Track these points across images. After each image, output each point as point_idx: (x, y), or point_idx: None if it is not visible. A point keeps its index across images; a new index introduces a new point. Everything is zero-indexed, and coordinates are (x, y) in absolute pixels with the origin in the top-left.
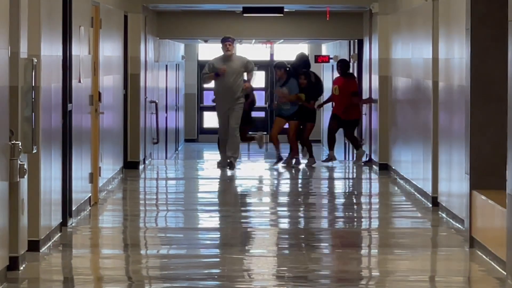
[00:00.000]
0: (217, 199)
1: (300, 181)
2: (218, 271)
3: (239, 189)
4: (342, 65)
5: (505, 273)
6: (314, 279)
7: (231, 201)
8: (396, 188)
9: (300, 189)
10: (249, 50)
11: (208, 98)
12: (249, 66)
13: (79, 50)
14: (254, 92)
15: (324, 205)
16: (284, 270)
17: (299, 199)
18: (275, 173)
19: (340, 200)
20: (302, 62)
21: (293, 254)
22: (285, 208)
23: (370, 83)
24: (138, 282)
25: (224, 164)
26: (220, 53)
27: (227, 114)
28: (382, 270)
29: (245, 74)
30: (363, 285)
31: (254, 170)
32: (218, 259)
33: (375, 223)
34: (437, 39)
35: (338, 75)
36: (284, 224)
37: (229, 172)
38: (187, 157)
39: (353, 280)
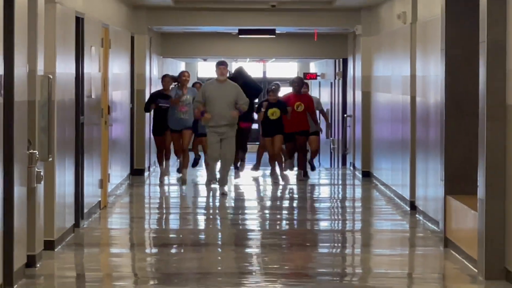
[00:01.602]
0: (212, 203)
1: (290, 187)
2: (217, 268)
3: (233, 195)
4: (301, 83)
5: (476, 271)
6: (305, 276)
7: (227, 205)
8: (377, 193)
9: (290, 195)
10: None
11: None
12: (240, 100)
13: (90, 68)
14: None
15: (311, 209)
16: (277, 268)
17: (289, 203)
18: (266, 181)
19: (326, 204)
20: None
21: (282, 253)
22: (276, 211)
23: (354, 98)
24: (143, 278)
25: (224, 191)
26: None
27: (218, 140)
28: (365, 267)
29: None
30: (347, 281)
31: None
32: (216, 257)
33: (358, 225)
34: (415, 58)
35: (295, 92)
36: (276, 226)
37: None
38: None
39: (337, 275)
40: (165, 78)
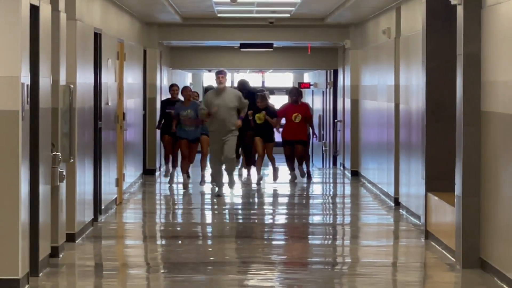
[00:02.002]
0: (216, 200)
1: (285, 185)
2: (222, 257)
3: (234, 192)
4: (297, 93)
5: (454, 260)
6: (300, 265)
7: (229, 201)
8: (364, 191)
9: (285, 192)
10: (245, 77)
11: None
12: (242, 103)
13: (107, 78)
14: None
15: (305, 204)
16: (275, 257)
17: (285, 200)
18: (265, 180)
19: (318, 200)
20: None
21: (280, 244)
22: (273, 207)
23: (344, 105)
24: (154, 267)
25: (220, 192)
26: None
27: (220, 145)
28: (353, 257)
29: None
30: (338, 269)
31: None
32: (220, 248)
33: (347, 219)
34: (398, 69)
35: (292, 102)
36: (274, 220)
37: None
38: (195, 165)
39: (329, 264)
40: (173, 87)
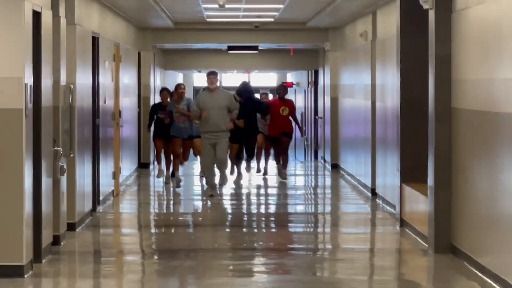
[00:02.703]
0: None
1: (270, 177)
2: (213, 244)
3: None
4: (285, 90)
5: (427, 246)
6: (284, 250)
7: (220, 192)
8: (343, 182)
9: (270, 184)
10: (232, 78)
11: None
12: (233, 105)
13: (104, 79)
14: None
15: (289, 195)
16: (261, 244)
17: (271, 191)
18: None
19: (301, 191)
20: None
21: (266, 232)
22: (260, 198)
23: (324, 103)
24: (149, 253)
25: (214, 192)
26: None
27: (213, 146)
28: (334, 243)
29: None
30: (320, 255)
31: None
32: (210, 236)
33: (328, 208)
34: (375, 69)
35: (279, 98)
36: (260, 209)
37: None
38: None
39: (311, 250)
40: (163, 92)
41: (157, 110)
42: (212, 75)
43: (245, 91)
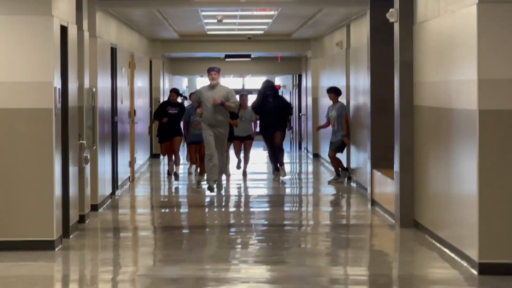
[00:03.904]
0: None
1: (262, 165)
2: (217, 222)
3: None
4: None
5: (394, 221)
6: (273, 226)
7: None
8: (323, 169)
9: (262, 170)
10: (229, 81)
11: None
12: (229, 96)
13: (121, 83)
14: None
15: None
16: (252, 221)
17: (261, 177)
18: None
19: (287, 176)
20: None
21: (256, 211)
22: (252, 182)
23: (306, 102)
24: (160, 229)
25: (219, 187)
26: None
27: (212, 138)
28: (315, 220)
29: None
30: (303, 230)
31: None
32: (212, 215)
33: (310, 191)
34: (349, 73)
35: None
36: (252, 192)
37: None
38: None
39: (296, 226)
40: (172, 93)
41: (167, 105)
42: (213, 71)
43: (271, 88)
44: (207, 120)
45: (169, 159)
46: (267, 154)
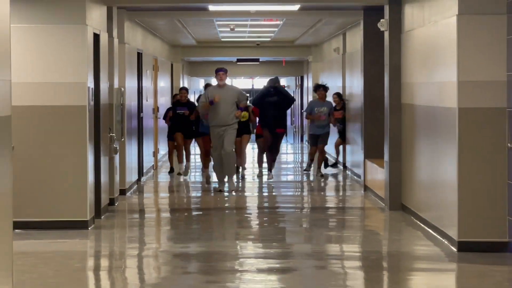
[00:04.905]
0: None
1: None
2: (227, 204)
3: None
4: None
5: (384, 205)
6: (277, 208)
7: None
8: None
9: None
10: (240, 82)
11: None
12: (240, 98)
13: (146, 83)
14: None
15: (281, 168)
16: (260, 204)
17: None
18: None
19: (290, 165)
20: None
21: (263, 195)
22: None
23: (308, 100)
24: (179, 210)
25: (222, 187)
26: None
27: (221, 139)
28: (314, 203)
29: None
30: (305, 212)
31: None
32: (224, 198)
33: (311, 178)
34: (345, 75)
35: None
36: (259, 178)
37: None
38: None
39: (298, 208)
40: (182, 91)
41: (177, 106)
42: (221, 72)
43: (274, 81)
44: (216, 121)
45: (186, 154)
46: (257, 152)
